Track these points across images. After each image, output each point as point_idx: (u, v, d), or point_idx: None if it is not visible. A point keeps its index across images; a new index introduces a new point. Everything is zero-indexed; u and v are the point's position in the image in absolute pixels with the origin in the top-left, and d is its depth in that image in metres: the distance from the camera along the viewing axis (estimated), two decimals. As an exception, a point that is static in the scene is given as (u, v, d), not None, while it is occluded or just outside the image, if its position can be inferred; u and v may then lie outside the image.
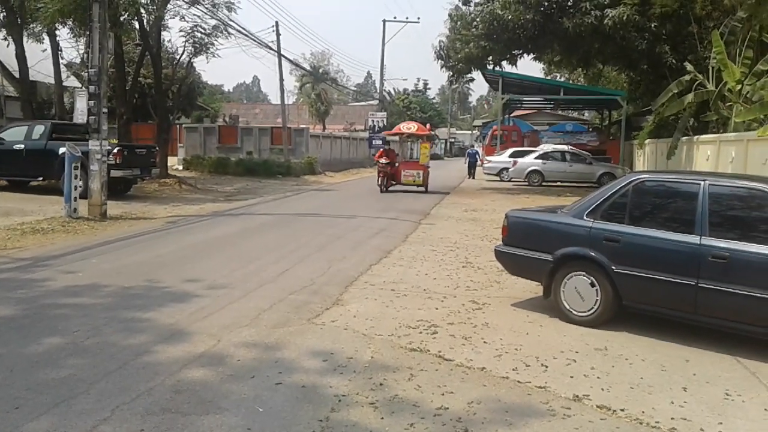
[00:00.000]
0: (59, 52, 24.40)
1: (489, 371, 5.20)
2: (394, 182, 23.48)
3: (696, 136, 18.85)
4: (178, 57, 26.35)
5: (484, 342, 5.96)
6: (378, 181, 23.30)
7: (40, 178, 17.50)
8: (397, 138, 29.56)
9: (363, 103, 77.40)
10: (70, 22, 19.69)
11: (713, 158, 16.08)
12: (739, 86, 17.15)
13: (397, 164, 23.66)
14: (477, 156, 37.01)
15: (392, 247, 11.15)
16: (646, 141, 25.13)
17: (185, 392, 4.54)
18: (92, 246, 10.41)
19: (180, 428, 3.99)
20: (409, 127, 25.47)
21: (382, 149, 24.07)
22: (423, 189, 23.39)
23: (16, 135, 17.74)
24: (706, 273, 5.75)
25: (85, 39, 21.70)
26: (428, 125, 28.73)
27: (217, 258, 9.70)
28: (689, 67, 19.87)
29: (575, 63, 29.94)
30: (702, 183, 6.09)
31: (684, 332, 6.18)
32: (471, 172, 34.70)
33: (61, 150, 14.53)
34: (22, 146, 17.20)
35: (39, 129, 17.55)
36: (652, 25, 22.28)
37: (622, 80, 36.70)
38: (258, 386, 4.70)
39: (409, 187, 23.45)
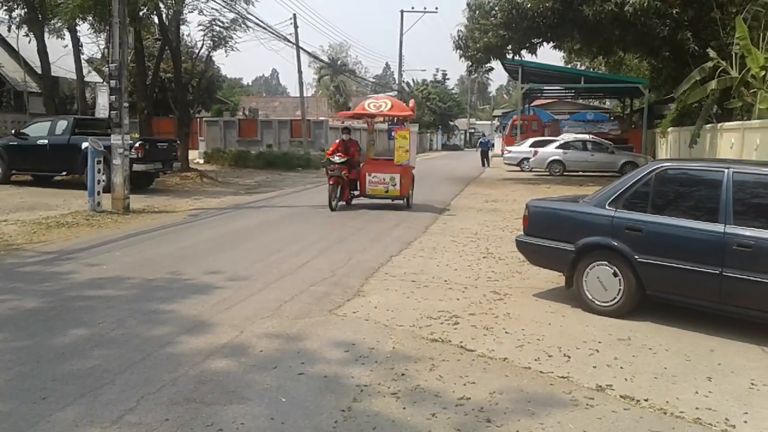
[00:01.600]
0: (80, 48, 24.66)
1: (511, 361, 5.19)
2: (355, 193, 15.50)
3: (719, 124, 18.57)
4: (197, 51, 26.55)
5: (506, 332, 5.94)
6: (329, 191, 14.81)
7: (64, 173, 17.68)
8: (359, 124, 19.17)
9: (382, 95, 77.26)
10: (90, 18, 19.87)
11: (737, 146, 15.84)
12: (763, 72, 16.83)
13: (361, 164, 15.54)
14: (489, 145, 38.70)
15: (412, 238, 11.14)
16: (669, 129, 24.82)
17: (209, 382, 4.59)
18: (116, 239, 10.52)
19: (204, 418, 4.03)
20: (378, 104, 15.85)
21: (338, 140, 15.56)
22: (403, 203, 15.55)
23: (39, 130, 17.95)
24: (731, 262, 5.67)
25: (105, 34, 21.90)
26: (411, 102, 17.61)
27: (238, 250, 9.76)
28: (712, 53, 19.54)
29: (596, 51, 29.61)
30: (726, 171, 6.00)
31: (709, 322, 6.11)
32: (484, 160, 36.30)
33: (84, 145, 14.70)
34: (46, 141, 17.42)
35: (62, 124, 17.75)
36: (674, 12, 21.95)
37: (643, 68, 36.25)
38: (281, 376, 4.73)
39: (382, 200, 15.48)
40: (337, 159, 14.65)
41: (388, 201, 15.48)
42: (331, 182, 14.75)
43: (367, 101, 16.44)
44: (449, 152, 65.71)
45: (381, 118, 17.73)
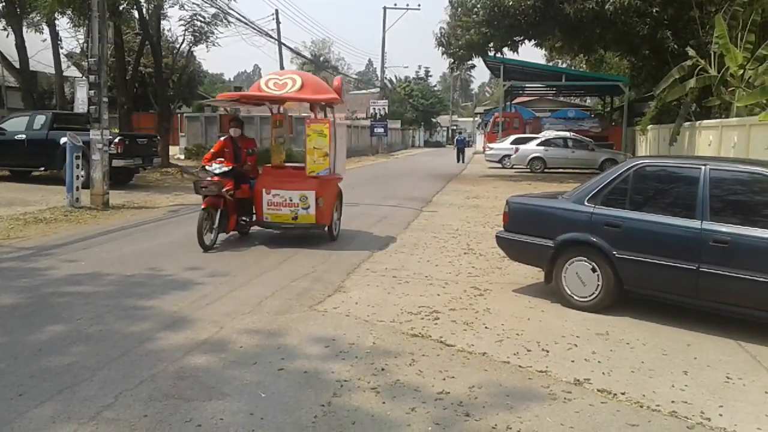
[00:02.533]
0: (59, 42, 24.42)
1: (490, 356, 5.21)
2: (246, 220, 10.11)
3: (698, 122, 18.78)
4: (178, 46, 26.35)
5: (486, 327, 5.97)
6: (199, 219, 9.27)
7: (42, 168, 17.51)
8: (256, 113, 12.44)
9: (364, 91, 77.22)
10: (69, 12, 19.70)
11: (716, 143, 16.03)
12: (741, 71, 17.07)
13: (258, 174, 10.39)
14: (465, 142, 40.22)
15: (394, 234, 11.16)
16: (649, 127, 25.06)
17: (188, 378, 4.56)
18: (95, 235, 10.43)
19: (183, 414, 4.01)
20: (282, 82, 9.77)
21: (223, 137, 10.39)
22: (324, 231, 10.20)
23: (17, 125, 17.75)
24: (708, 257, 5.75)
25: (84, 29, 21.73)
26: (336, 80, 10.96)
27: (218, 246, 9.70)
28: (691, 52, 19.75)
29: (577, 49, 29.80)
30: (703, 167, 6.08)
31: (686, 317, 6.19)
32: (459, 156, 37.52)
33: (63, 140, 14.53)
34: (24, 136, 17.23)
35: (40, 119, 17.57)
36: (654, 10, 22.17)
37: (624, 66, 36.54)
38: (260, 372, 4.72)
39: (288, 229, 10.06)
40: (216, 168, 9.50)
41: (302, 230, 10.10)
42: (204, 206, 9.42)
43: (265, 79, 10.32)
44: (432, 149, 65.88)
45: (296, 105, 11.67)
